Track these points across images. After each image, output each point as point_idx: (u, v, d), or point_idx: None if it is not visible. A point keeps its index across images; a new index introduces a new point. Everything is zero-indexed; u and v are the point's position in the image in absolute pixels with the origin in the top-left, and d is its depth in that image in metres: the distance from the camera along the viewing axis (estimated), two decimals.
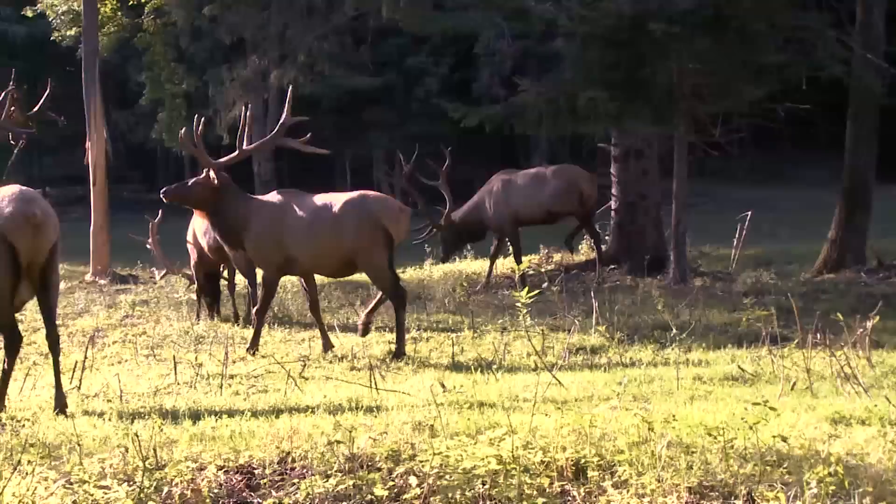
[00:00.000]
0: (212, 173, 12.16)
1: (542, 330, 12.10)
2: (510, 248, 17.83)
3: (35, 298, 8.72)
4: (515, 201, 17.42)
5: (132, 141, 43.25)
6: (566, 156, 45.31)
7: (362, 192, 12.13)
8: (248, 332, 13.09)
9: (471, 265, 18.52)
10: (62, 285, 17.58)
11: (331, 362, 11.44)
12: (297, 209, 11.94)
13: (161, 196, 12.16)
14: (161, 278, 17.68)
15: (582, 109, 16.07)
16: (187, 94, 31.35)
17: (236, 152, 12.43)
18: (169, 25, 30.33)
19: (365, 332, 12.61)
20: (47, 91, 11.61)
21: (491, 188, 17.81)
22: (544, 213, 17.44)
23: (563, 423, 6.46)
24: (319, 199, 12.05)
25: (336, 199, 11.89)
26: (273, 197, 12.22)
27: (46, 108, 13.26)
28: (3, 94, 11.62)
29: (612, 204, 19.26)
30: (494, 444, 5.95)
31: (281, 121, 12.88)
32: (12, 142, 13.48)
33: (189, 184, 12.25)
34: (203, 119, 12.57)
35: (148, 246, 16.55)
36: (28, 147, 15.43)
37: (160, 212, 16.07)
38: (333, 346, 12.04)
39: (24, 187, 8.60)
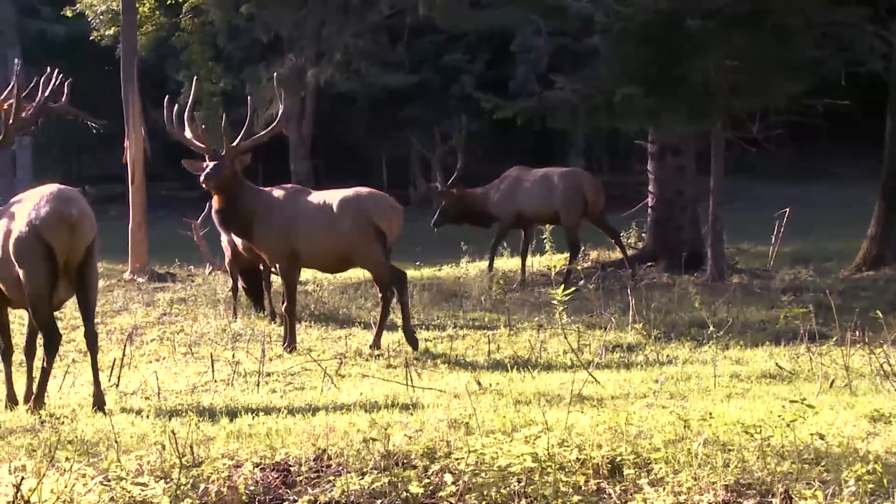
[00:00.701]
0: (244, 157, 12.22)
1: (579, 327, 12.08)
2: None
3: (74, 297, 8.80)
4: (521, 200, 17.36)
5: (170, 139, 43.55)
6: (603, 152, 45.23)
7: (358, 189, 12.20)
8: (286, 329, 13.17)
9: (507, 263, 18.50)
10: (100, 283, 17.72)
11: (367, 360, 11.47)
12: (299, 204, 12.09)
13: (202, 183, 12.05)
14: (209, 274, 17.82)
15: (618, 106, 16.02)
16: (224, 93, 31.47)
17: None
18: (206, 24, 30.48)
19: (412, 341, 12.01)
20: (65, 86, 11.52)
21: (500, 182, 17.77)
22: (550, 214, 17.35)
23: (599, 420, 6.45)
24: (319, 195, 12.23)
25: (334, 196, 12.02)
26: (278, 191, 12.31)
27: (70, 106, 13.14)
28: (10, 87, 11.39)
29: (649, 201, 19.17)
30: (530, 442, 5.94)
31: (280, 112, 12.99)
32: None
33: (221, 168, 12.06)
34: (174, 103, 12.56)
35: (196, 240, 16.59)
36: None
37: (208, 207, 16.16)
38: (295, 348, 12.07)
39: (62, 186, 8.67)
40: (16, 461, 6.06)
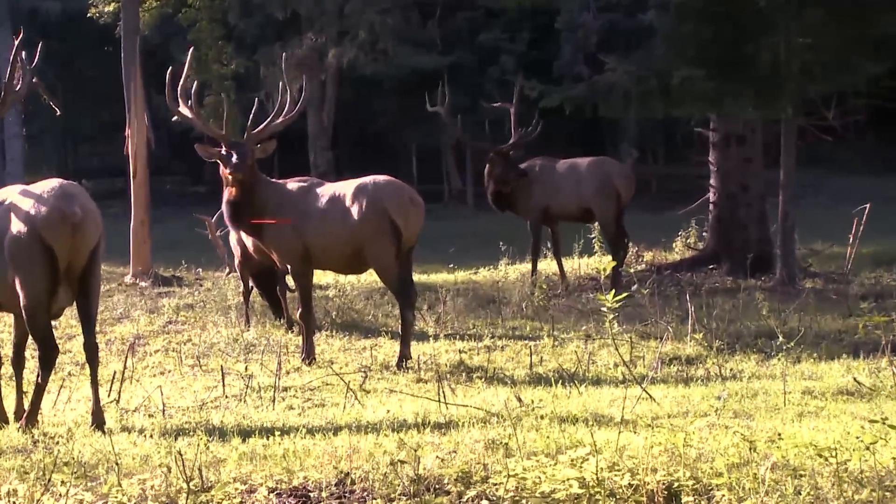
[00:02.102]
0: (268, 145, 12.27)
1: (631, 338, 12.08)
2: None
3: (73, 305, 8.79)
4: (547, 195, 17.21)
5: (175, 128, 43.81)
6: (659, 141, 45.10)
7: (375, 176, 12.19)
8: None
9: (551, 265, 18.49)
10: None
11: (395, 374, 11.51)
12: (312, 197, 12.13)
13: (230, 173, 12.06)
14: (226, 276, 17.95)
15: (675, 90, 16.01)
16: (236, 76, 31.60)
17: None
18: None
19: (402, 362, 11.98)
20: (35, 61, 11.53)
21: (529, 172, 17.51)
22: (581, 210, 17.19)
23: (654, 442, 6.43)
24: (334, 186, 12.29)
25: (348, 186, 12.06)
26: (293, 184, 12.32)
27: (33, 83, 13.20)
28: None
29: (711, 196, 19.11)
30: (577, 466, 5.94)
31: (299, 104, 12.97)
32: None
33: (247, 157, 12.05)
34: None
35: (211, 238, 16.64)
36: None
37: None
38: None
39: (64, 181, 8.62)
40: (6, 485, 6.12)
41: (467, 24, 40.41)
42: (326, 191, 12.13)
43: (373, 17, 32.61)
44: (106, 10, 27.44)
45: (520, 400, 9.02)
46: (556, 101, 17.73)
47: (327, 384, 10.89)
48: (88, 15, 28.51)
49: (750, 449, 6.19)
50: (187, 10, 29.99)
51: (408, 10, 35.34)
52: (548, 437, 7.09)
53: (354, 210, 11.79)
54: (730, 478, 5.90)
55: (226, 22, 32.65)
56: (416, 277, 17.30)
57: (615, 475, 5.95)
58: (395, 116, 41.52)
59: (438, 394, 9.37)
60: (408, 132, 42.19)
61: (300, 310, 12.23)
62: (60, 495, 5.92)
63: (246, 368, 11.37)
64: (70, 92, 42.19)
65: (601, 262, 17.85)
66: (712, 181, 19.14)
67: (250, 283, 14.66)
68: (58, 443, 7.96)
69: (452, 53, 39.34)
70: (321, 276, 18.39)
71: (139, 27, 22.44)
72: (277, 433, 7.86)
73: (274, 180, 12.57)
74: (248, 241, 13.28)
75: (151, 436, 8.12)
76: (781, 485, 5.82)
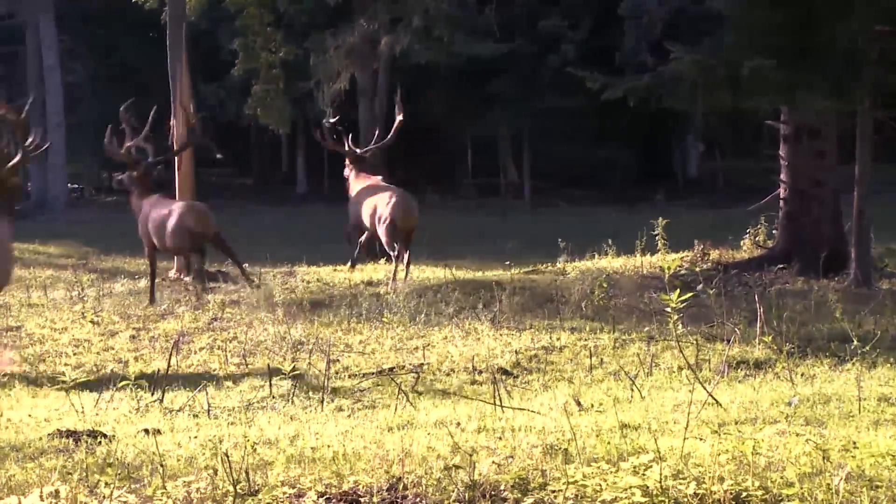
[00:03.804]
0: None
1: (696, 339, 12.00)
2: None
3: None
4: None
5: (222, 118, 44.04)
6: (726, 134, 44.83)
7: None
8: (353, 339, 13.32)
9: (612, 262, 18.43)
10: (141, 283, 18.00)
11: (448, 374, 11.51)
12: None
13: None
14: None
15: (745, 80, 15.86)
16: (285, 64, 31.70)
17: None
18: None
19: None
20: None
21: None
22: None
23: (721, 449, 6.39)
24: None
25: None
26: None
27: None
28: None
29: (781, 192, 18.96)
30: (639, 473, 5.92)
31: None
32: None
33: None
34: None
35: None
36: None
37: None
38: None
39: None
40: (48, 486, 6.18)
41: (526, 10, 40.37)
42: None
43: (428, 2, 32.55)
44: None
45: (579, 403, 9.00)
46: (618, 93, 17.58)
47: (378, 385, 10.93)
48: (133, 1, 28.70)
49: (823, 458, 6.14)
50: None
51: None
52: (609, 442, 7.07)
53: None
54: (801, 488, 5.85)
55: (275, 8, 32.76)
56: (471, 274, 17.42)
57: (680, 483, 5.92)
58: (450, 107, 41.52)
59: (494, 396, 9.36)
60: (463, 123, 42.21)
61: None
62: (104, 497, 5.97)
63: (294, 368, 11.40)
64: (113, 80, 42.58)
65: (665, 261, 17.80)
66: (783, 176, 18.98)
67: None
68: (100, 443, 8.03)
69: (510, 42, 39.30)
70: (372, 274, 18.50)
71: (185, 13, 22.60)
72: (327, 435, 7.88)
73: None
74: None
75: (196, 437, 8.16)
76: (856, 496, 5.78)
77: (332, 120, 21.15)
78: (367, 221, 18.64)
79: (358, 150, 20.30)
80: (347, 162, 20.12)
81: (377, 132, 21.76)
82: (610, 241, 18.91)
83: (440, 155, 44.45)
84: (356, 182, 19.64)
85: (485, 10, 37.12)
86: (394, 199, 18.29)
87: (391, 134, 20.79)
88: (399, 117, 20.62)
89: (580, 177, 43.76)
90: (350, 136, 20.54)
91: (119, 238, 25.51)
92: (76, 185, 47.03)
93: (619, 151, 43.86)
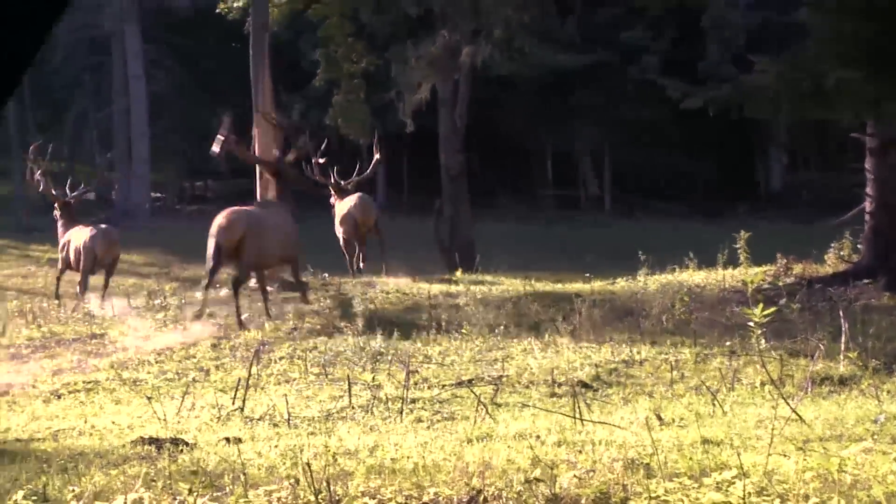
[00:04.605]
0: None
1: (780, 355, 11.88)
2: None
3: None
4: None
5: (305, 129, 44.26)
6: (811, 147, 44.40)
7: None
8: (432, 350, 13.34)
9: (693, 276, 18.31)
10: (222, 292, 18.17)
11: (527, 386, 11.49)
12: None
13: None
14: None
15: (830, 92, 15.71)
16: (366, 74, 31.85)
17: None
18: None
19: None
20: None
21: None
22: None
23: (806, 466, 6.33)
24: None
25: None
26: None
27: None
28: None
29: (867, 206, 18.74)
30: (722, 489, 5.87)
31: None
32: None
33: None
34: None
35: None
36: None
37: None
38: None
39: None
40: (132, 493, 6.25)
41: (609, 21, 40.24)
42: None
43: (509, 13, 32.56)
44: (235, 5, 27.87)
45: (660, 418, 8.94)
46: (699, 103, 17.49)
47: (457, 396, 10.93)
48: (217, 11, 29.00)
49: None
50: (318, 6, 30.34)
51: (546, 6, 35.27)
52: (691, 458, 7.01)
53: None
54: None
55: (357, 18, 32.94)
56: (550, 286, 17.40)
57: (764, 500, 5.86)
58: (530, 117, 41.49)
59: (574, 409, 9.32)
60: (543, 134, 42.14)
61: None
62: None
63: (373, 378, 11.45)
64: (196, 89, 43.02)
65: (747, 275, 17.65)
66: (868, 190, 18.76)
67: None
68: (182, 451, 8.10)
69: (592, 52, 39.21)
70: (451, 286, 18.54)
71: (269, 23, 22.80)
72: (406, 446, 7.89)
73: None
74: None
75: (276, 446, 8.21)
76: None
77: (321, 160, 23.02)
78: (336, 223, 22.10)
79: (342, 182, 22.81)
80: (332, 192, 22.77)
81: (365, 168, 23.73)
82: (691, 254, 18.77)
83: (520, 165, 44.41)
84: (339, 205, 22.40)
85: (566, 21, 37.06)
86: (355, 200, 21.80)
87: (370, 169, 23.47)
88: (377, 156, 23.40)
89: (661, 188, 43.55)
90: (336, 169, 23.02)
91: (201, 247, 25.76)
92: (158, 194, 47.56)
93: (700, 163, 43.58)
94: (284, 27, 31.39)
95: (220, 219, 16.33)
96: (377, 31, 36.46)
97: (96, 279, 19.98)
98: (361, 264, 21.78)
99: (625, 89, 39.63)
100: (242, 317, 15.90)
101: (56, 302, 19.69)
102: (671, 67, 35.84)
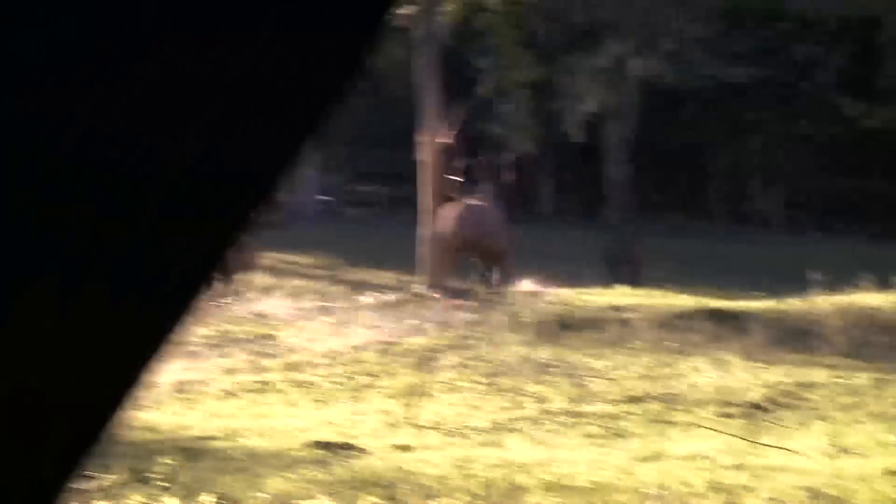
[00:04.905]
0: None
1: None
2: None
3: None
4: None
5: (471, 133, 44.33)
6: None
7: None
8: (599, 363, 13.20)
9: (870, 298, 17.83)
10: (391, 297, 18.28)
11: (697, 405, 11.29)
12: None
13: None
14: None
15: None
16: (533, 84, 31.78)
17: None
18: (517, 4, 30.89)
19: None
20: None
21: None
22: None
23: None
24: None
25: None
26: None
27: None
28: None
29: None
30: None
31: None
32: None
33: None
34: None
35: None
36: None
37: None
38: None
39: None
40: (312, 499, 6.26)
41: (780, 35, 39.52)
42: None
43: (679, 25, 32.26)
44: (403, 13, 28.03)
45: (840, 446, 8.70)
46: (877, 122, 17.06)
47: (628, 413, 10.78)
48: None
49: None
50: (487, 15, 30.37)
51: (716, 20, 34.83)
52: (876, 489, 6.78)
53: None
54: None
55: (525, 29, 32.94)
56: (720, 303, 17.16)
57: None
58: (700, 131, 40.98)
59: (747, 432, 9.13)
60: (713, 148, 41.60)
61: None
62: None
63: (541, 390, 11.38)
64: (363, 95, 43.42)
65: None
66: None
67: None
68: (353, 456, 8.12)
69: (763, 66, 38.57)
70: (619, 298, 18.40)
71: (438, 31, 22.87)
72: (578, 463, 7.79)
73: None
74: None
75: (446, 455, 8.18)
76: None
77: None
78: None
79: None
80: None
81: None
82: (869, 276, 18.26)
83: (689, 179, 43.90)
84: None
85: (736, 35, 36.53)
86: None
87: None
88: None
89: (835, 207, 42.60)
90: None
91: (365, 250, 26.00)
92: (325, 198, 48.13)
93: (877, 182, 42.46)
94: (451, 35, 31.54)
95: (452, 213, 17.44)
96: (545, 41, 36.44)
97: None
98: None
99: (798, 105, 38.90)
100: (408, 323, 16.00)
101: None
102: (846, 83, 35.11)
